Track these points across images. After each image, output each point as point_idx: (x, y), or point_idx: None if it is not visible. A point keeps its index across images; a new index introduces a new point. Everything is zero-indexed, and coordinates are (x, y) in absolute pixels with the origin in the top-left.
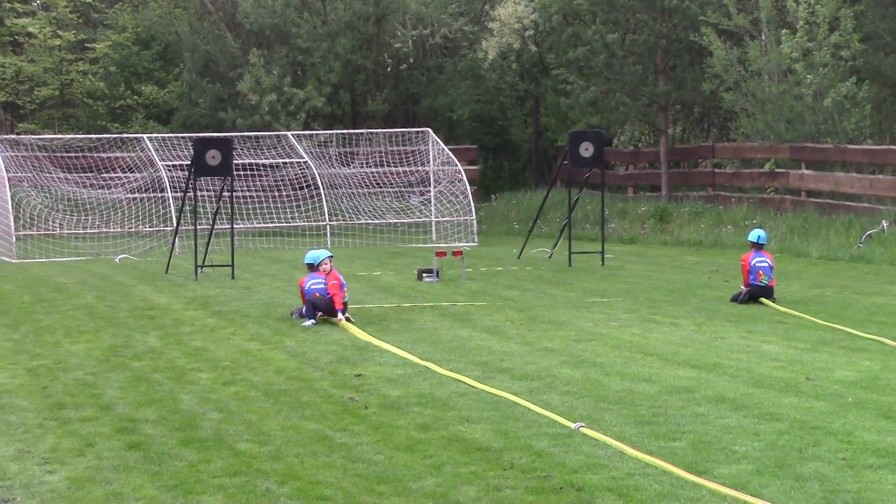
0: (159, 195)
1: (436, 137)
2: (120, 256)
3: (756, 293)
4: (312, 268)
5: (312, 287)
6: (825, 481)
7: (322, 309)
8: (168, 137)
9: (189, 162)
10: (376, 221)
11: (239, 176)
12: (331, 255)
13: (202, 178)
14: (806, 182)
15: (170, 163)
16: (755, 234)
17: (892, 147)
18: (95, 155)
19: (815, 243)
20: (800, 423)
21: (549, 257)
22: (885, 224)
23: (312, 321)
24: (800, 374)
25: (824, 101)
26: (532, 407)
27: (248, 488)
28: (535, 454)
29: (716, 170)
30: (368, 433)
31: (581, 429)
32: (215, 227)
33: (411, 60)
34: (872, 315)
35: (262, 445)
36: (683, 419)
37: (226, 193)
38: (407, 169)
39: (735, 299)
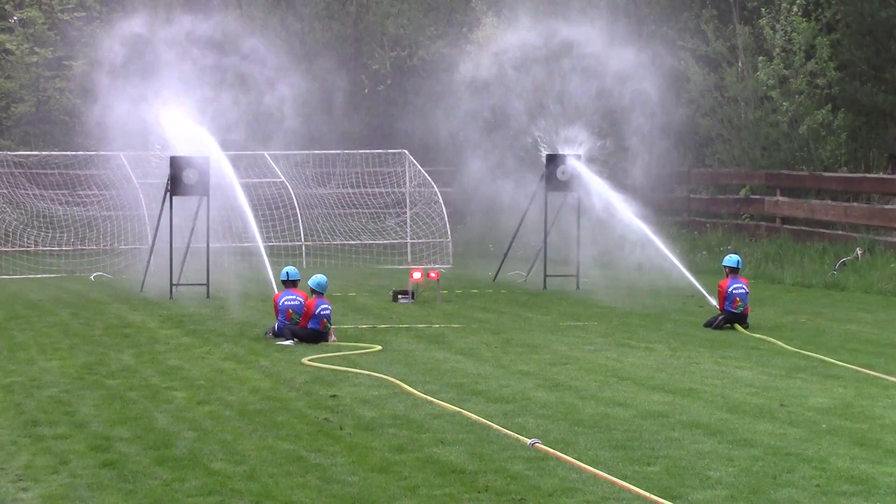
0: (135, 213)
1: (412, 159)
2: (95, 274)
3: (731, 318)
4: (287, 283)
5: (286, 303)
6: None
7: (303, 338)
8: (145, 155)
9: (166, 180)
10: (352, 242)
11: (214, 195)
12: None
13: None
14: (781, 209)
15: (145, 181)
16: (733, 260)
17: (867, 175)
18: (71, 172)
19: (790, 270)
20: (774, 450)
21: (525, 281)
22: (859, 251)
23: (290, 341)
24: (774, 400)
25: (800, 128)
26: (502, 430)
27: None
28: (510, 477)
29: (691, 195)
30: (343, 454)
31: (536, 445)
32: (191, 245)
33: (389, 82)
34: (846, 342)
35: (237, 465)
36: (658, 444)
37: (202, 212)
38: (383, 190)
39: (709, 325)
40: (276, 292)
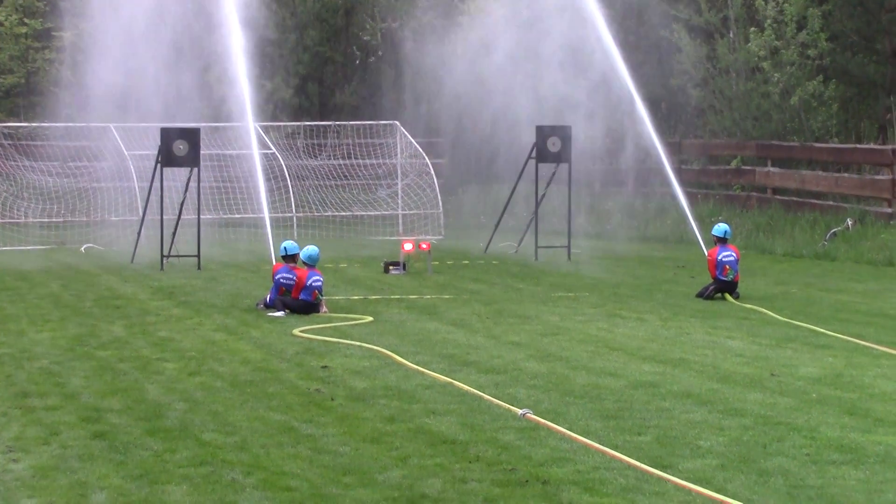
0: (125, 185)
1: (403, 130)
2: (85, 245)
3: (722, 287)
4: (286, 259)
5: (282, 280)
6: (789, 476)
7: (295, 310)
8: (135, 127)
9: (156, 152)
10: (343, 213)
11: (206, 166)
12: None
13: (169, 168)
14: (772, 179)
15: (137, 152)
16: (720, 229)
17: (858, 146)
18: (62, 143)
19: (781, 240)
20: (764, 419)
21: (516, 251)
22: (849, 222)
23: (281, 312)
24: (764, 370)
25: (791, 99)
26: (493, 400)
27: (214, 478)
28: (501, 447)
29: (682, 166)
30: (334, 425)
31: (527, 415)
32: (182, 217)
33: (380, 53)
34: (836, 312)
35: (228, 436)
36: (649, 414)
37: (192, 183)
38: (374, 161)
39: (700, 295)
40: (276, 263)
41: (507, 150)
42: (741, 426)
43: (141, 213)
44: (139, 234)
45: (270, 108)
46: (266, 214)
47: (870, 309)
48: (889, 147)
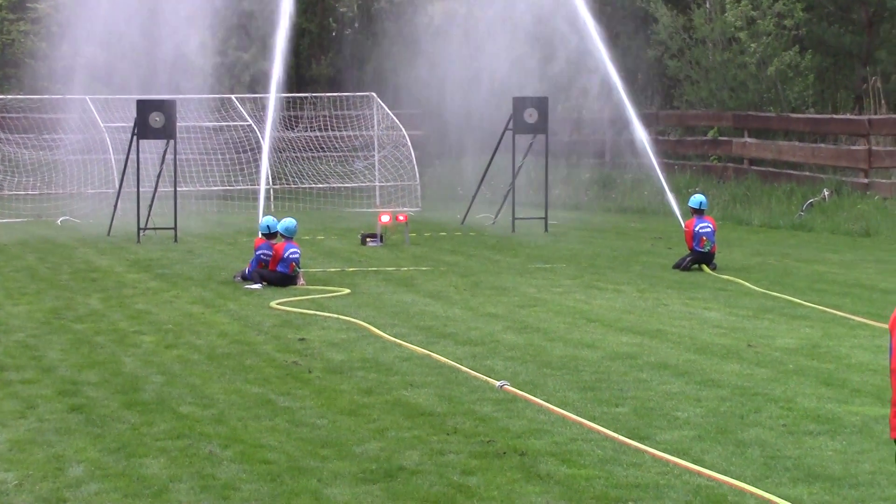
0: (101, 157)
1: (380, 102)
2: (62, 218)
3: (699, 259)
4: (268, 236)
5: (263, 256)
6: (766, 447)
7: (272, 282)
8: (111, 99)
9: (132, 124)
10: (320, 186)
11: (182, 138)
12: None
13: (145, 141)
14: (748, 150)
15: (113, 124)
16: (696, 200)
17: (835, 116)
18: (37, 116)
19: (757, 211)
20: (741, 390)
21: (493, 223)
22: (826, 192)
23: (259, 285)
24: (742, 341)
25: (768, 69)
26: (471, 372)
27: (191, 451)
28: (479, 419)
29: (659, 137)
30: (312, 397)
31: (505, 387)
32: (158, 189)
33: (356, 24)
34: (813, 283)
35: (205, 409)
36: (626, 385)
37: (169, 156)
38: (351, 133)
39: (678, 266)
40: (259, 237)
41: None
42: (718, 397)
43: (117, 186)
44: (115, 206)
45: (246, 80)
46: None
47: (846, 279)
48: (865, 117)
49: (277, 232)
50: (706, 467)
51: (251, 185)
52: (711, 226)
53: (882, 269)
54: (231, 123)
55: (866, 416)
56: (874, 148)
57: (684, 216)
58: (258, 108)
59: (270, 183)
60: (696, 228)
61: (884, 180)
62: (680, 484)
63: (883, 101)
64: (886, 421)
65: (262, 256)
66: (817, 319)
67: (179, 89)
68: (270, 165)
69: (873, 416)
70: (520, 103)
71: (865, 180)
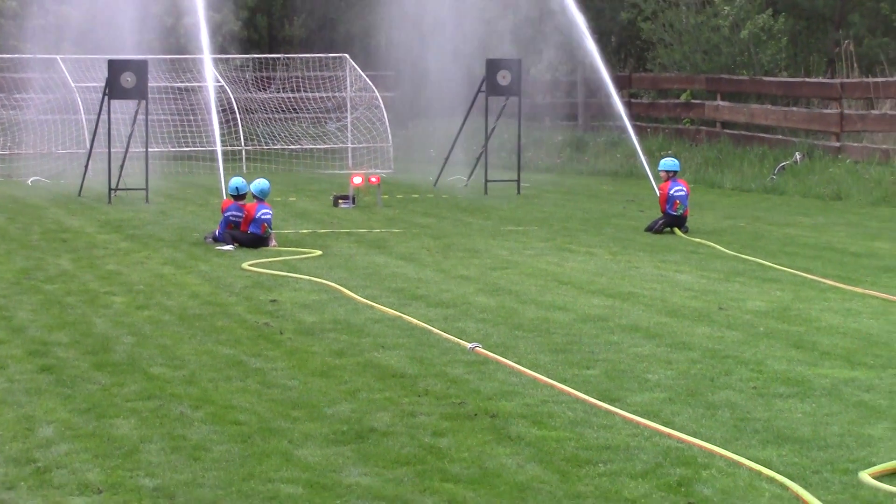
0: (72, 117)
1: (353, 63)
2: (32, 178)
3: (671, 222)
4: (237, 198)
5: (232, 218)
6: (736, 409)
7: (244, 243)
8: (82, 59)
9: (104, 84)
10: (292, 147)
11: (154, 99)
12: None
13: (117, 101)
14: (721, 113)
15: (84, 84)
16: (670, 163)
17: (807, 79)
18: (7, 75)
19: (729, 174)
20: (712, 353)
21: (466, 185)
22: (798, 156)
23: (230, 246)
24: (712, 303)
25: (741, 32)
26: (442, 334)
27: (162, 412)
28: (450, 381)
29: (632, 100)
30: (283, 358)
31: (476, 349)
32: (129, 150)
33: None
34: (784, 246)
35: (176, 370)
36: (597, 347)
37: (140, 116)
38: (324, 95)
39: (650, 229)
40: (226, 199)
41: (458, 84)
42: (689, 360)
43: (88, 146)
44: (86, 167)
45: (219, 41)
46: (218, 148)
47: (817, 243)
48: (838, 81)
49: (246, 193)
50: (676, 429)
51: (224, 145)
52: (685, 189)
53: (853, 233)
54: (203, 84)
55: (836, 378)
56: (846, 112)
57: (656, 179)
58: (230, 69)
59: (243, 144)
60: (671, 191)
61: (855, 144)
62: (650, 446)
63: (855, 65)
64: (856, 384)
65: (230, 218)
66: (788, 282)
67: (151, 49)
68: (242, 126)
69: (843, 378)
70: (493, 65)
71: (837, 144)
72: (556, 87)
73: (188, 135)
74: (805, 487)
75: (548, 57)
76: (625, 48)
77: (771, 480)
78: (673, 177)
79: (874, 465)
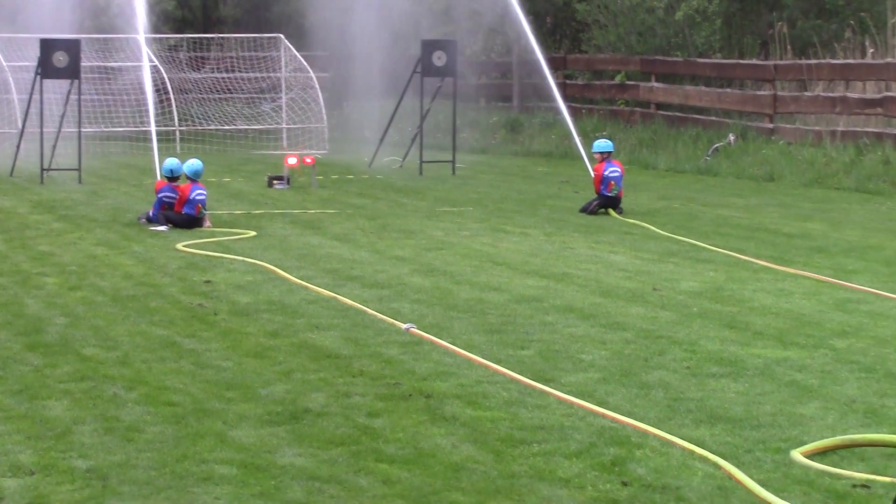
0: (4, 97)
1: (288, 44)
2: None
3: (606, 203)
4: (170, 179)
5: (165, 199)
6: (669, 389)
7: (178, 224)
8: (14, 38)
9: (36, 63)
10: (227, 127)
11: (87, 79)
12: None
13: (49, 80)
14: (655, 95)
15: (16, 64)
16: (604, 144)
17: (741, 61)
18: None
19: (664, 156)
20: (646, 333)
21: (401, 166)
22: (731, 137)
23: (164, 227)
24: (646, 284)
25: (676, 14)
26: (377, 315)
27: (95, 393)
28: (385, 361)
29: (567, 81)
30: (217, 339)
31: (411, 330)
32: (62, 130)
33: None
34: (718, 227)
35: (110, 351)
36: (532, 328)
37: (73, 96)
38: (258, 75)
39: (584, 210)
40: (160, 179)
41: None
42: (623, 340)
43: (20, 126)
44: (18, 147)
45: (153, 20)
46: (152, 128)
47: (750, 223)
48: (771, 62)
49: (180, 176)
50: (610, 409)
51: (158, 126)
52: (620, 170)
53: (785, 214)
54: (137, 64)
55: (768, 358)
56: (779, 93)
57: (591, 160)
58: (164, 49)
59: (177, 124)
60: (606, 173)
61: (788, 125)
62: (584, 426)
63: (788, 47)
64: (788, 363)
65: (164, 199)
66: (721, 263)
67: (84, 28)
68: (177, 107)
69: (775, 358)
70: (428, 46)
71: (770, 125)
72: (491, 68)
73: (121, 115)
74: (737, 466)
75: (483, 38)
76: (560, 29)
77: (704, 459)
78: (607, 158)
79: (806, 443)
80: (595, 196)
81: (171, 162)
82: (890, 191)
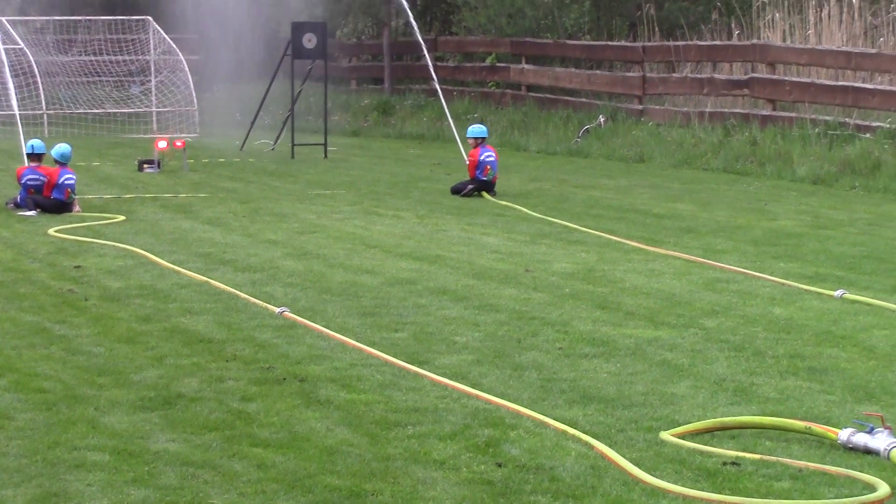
0: None
1: (157, 26)
2: None
3: (480, 187)
4: (32, 157)
5: (30, 182)
6: (542, 370)
7: (47, 209)
8: None
9: None
10: (95, 111)
11: None
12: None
13: None
14: (526, 77)
15: None
16: (479, 130)
17: (610, 43)
18: None
19: (535, 137)
20: (519, 314)
21: (272, 149)
22: (601, 119)
23: (33, 212)
24: (519, 266)
25: None
26: (250, 299)
27: None
28: (258, 346)
29: (438, 63)
30: (88, 325)
31: (284, 313)
32: None
33: None
34: (589, 208)
35: None
36: (405, 310)
37: None
38: (127, 58)
39: (457, 192)
40: (23, 165)
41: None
42: (496, 321)
43: None
44: None
45: (18, 2)
46: (16, 111)
47: (621, 204)
48: (639, 44)
49: (42, 154)
50: (484, 391)
51: (23, 110)
52: (494, 155)
53: (655, 195)
54: (4, 47)
55: (639, 338)
56: (648, 75)
57: (463, 142)
58: (30, 31)
59: (45, 108)
60: (481, 157)
61: (657, 107)
62: (458, 407)
63: (656, 29)
64: (659, 343)
65: (29, 183)
66: (593, 244)
67: None
68: (44, 90)
69: (646, 338)
70: (298, 28)
71: (640, 107)
72: (362, 50)
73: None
74: (610, 446)
75: (354, 20)
76: (430, 11)
77: (577, 439)
78: (482, 143)
79: (677, 422)
80: (468, 179)
81: (33, 141)
82: (757, 171)
